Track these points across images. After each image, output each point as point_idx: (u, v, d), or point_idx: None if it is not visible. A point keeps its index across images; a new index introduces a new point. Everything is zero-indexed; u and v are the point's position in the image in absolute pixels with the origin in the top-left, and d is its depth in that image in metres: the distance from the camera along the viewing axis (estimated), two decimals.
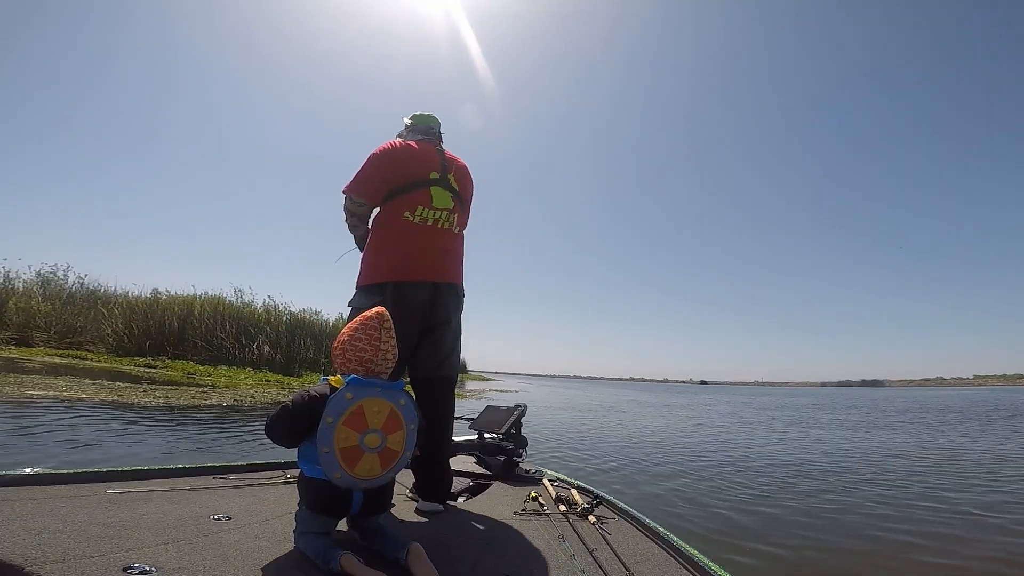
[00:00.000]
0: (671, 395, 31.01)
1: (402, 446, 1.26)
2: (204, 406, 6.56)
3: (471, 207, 2.23)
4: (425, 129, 2.18)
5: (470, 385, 24.28)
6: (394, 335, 1.34)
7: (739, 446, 7.20)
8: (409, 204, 1.95)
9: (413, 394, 1.39)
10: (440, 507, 1.85)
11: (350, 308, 1.96)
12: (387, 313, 1.35)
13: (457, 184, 2.08)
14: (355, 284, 2.01)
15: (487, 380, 35.24)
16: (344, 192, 2.01)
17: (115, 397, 6.20)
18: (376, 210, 2.05)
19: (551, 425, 8.87)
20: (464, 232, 2.17)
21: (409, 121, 2.22)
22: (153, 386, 7.95)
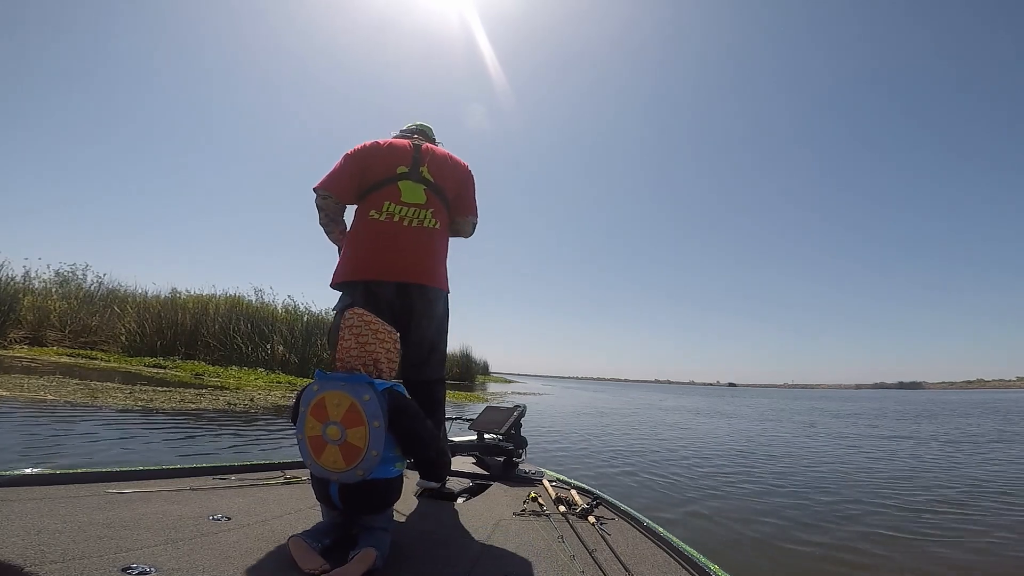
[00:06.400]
0: (711, 399, 29.60)
1: (364, 443, 1.22)
2: (189, 410, 6.00)
3: (469, 201, 2.14)
4: (412, 129, 2.20)
5: (492, 387, 23.62)
6: (355, 333, 1.34)
7: None
8: (376, 202, 1.92)
9: (404, 392, 1.36)
10: (436, 485, 1.91)
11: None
12: (349, 312, 1.38)
13: (432, 176, 2.00)
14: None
15: (509, 383, 34.49)
16: (313, 189, 1.97)
17: (88, 399, 5.65)
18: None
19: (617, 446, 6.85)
20: (445, 227, 2.08)
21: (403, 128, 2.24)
22: (146, 387, 7.45)
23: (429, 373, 1.98)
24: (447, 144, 2.28)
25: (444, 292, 2.05)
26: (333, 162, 2.05)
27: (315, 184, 1.97)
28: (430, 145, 2.09)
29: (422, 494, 1.97)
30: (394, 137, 2.15)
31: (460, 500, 2.00)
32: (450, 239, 2.23)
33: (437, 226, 2.00)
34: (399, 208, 1.92)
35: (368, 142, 2.01)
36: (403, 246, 1.91)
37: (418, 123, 2.24)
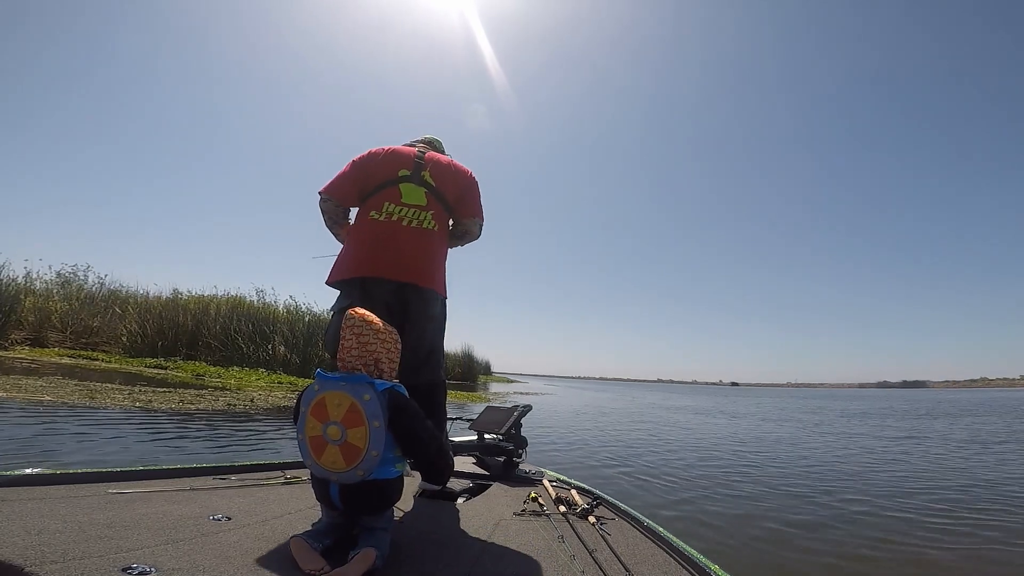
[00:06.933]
0: (715, 399, 29.30)
1: (365, 443, 1.22)
2: (189, 411, 5.94)
3: (473, 204, 2.16)
4: (421, 139, 2.24)
5: (494, 387, 23.53)
6: (356, 333, 1.34)
7: None
8: (376, 203, 1.96)
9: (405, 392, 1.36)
10: (436, 487, 1.92)
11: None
12: (351, 311, 1.38)
13: (434, 180, 2.04)
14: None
15: (512, 383, 34.36)
16: (318, 192, 2.05)
17: (87, 400, 5.58)
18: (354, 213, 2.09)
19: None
20: (444, 231, 2.10)
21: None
22: (146, 387, 7.41)
23: (428, 375, 1.98)
24: (451, 146, 2.34)
25: (441, 296, 2.06)
26: (334, 162, 2.14)
27: (320, 188, 2.05)
28: (434, 153, 2.14)
29: (422, 494, 1.97)
30: (402, 146, 2.20)
31: (460, 500, 2.00)
32: (465, 244, 2.29)
33: (436, 228, 2.02)
34: (399, 208, 1.95)
35: (374, 148, 2.07)
36: (401, 245, 1.92)
37: (427, 136, 2.29)
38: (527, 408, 2.82)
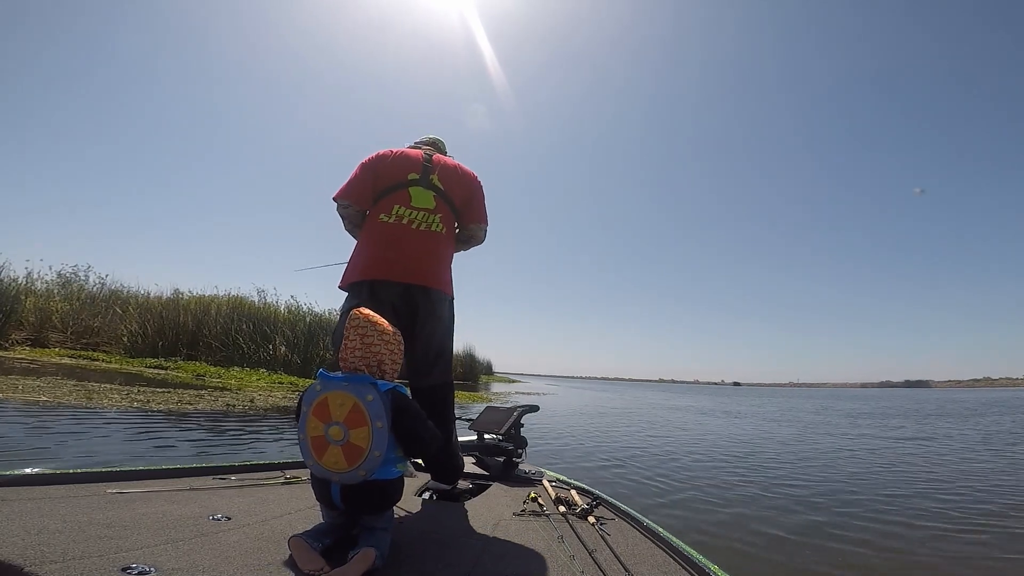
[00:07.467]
0: (717, 399, 28.98)
1: (367, 443, 1.22)
2: (187, 412, 5.93)
3: (479, 209, 2.19)
4: (425, 141, 2.27)
5: (496, 387, 23.49)
6: (360, 334, 1.35)
7: None
8: (386, 206, 1.98)
9: (408, 393, 1.37)
10: (447, 487, 1.96)
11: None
12: (355, 312, 1.38)
13: (442, 184, 2.06)
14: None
15: (513, 382, 34.30)
16: (333, 199, 2.05)
17: (84, 401, 5.56)
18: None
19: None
20: (451, 233, 2.13)
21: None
22: (145, 388, 7.38)
23: (438, 377, 2.00)
24: (451, 146, 2.36)
25: (448, 296, 2.08)
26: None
27: (334, 194, 2.05)
28: (441, 156, 2.17)
29: (423, 493, 1.97)
30: (407, 148, 2.22)
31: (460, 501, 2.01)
32: (470, 248, 2.32)
33: (443, 231, 2.05)
34: (408, 211, 1.98)
35: (382, 151, 2.09)
36: (409, 248, 1.95)
37: (431, 136, 2.32)
38: (531, 408, 2.81)
